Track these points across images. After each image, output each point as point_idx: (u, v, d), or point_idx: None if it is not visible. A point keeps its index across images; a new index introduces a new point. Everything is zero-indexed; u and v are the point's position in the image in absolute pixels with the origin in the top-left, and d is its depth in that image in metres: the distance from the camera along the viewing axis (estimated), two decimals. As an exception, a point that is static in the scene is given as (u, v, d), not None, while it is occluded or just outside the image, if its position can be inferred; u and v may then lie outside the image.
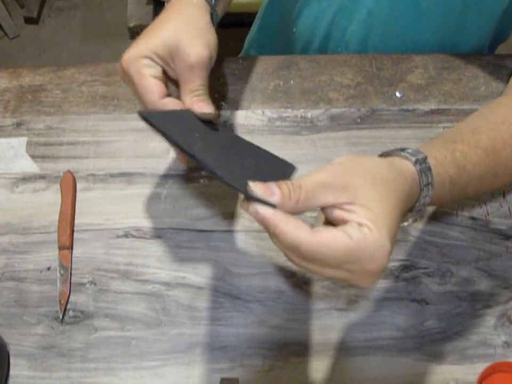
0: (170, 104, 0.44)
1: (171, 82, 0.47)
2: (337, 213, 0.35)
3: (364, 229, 0.34)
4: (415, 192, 0.40)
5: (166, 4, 0.51)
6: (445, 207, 0.56)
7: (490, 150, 0.45)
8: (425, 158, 0.40)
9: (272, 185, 0.35)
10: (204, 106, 0.44)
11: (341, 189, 0.35)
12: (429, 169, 0.40)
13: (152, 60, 0.44)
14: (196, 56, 0.44)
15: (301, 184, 0.35)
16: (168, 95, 0.45)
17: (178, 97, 0.46)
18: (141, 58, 0.44)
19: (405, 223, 0.42)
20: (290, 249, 0.35)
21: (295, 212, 0.35)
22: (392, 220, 0.35)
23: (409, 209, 0.41)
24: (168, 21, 0.47)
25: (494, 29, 0.65)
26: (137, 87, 0.44)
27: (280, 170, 0.41)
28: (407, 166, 0.40)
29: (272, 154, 0.44)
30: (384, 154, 0.43)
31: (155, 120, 0.39)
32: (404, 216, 0.40)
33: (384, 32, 0.67)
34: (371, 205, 0.35)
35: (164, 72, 0.46)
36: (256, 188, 0.35)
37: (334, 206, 0.35)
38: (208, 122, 0.46)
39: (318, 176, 0.36)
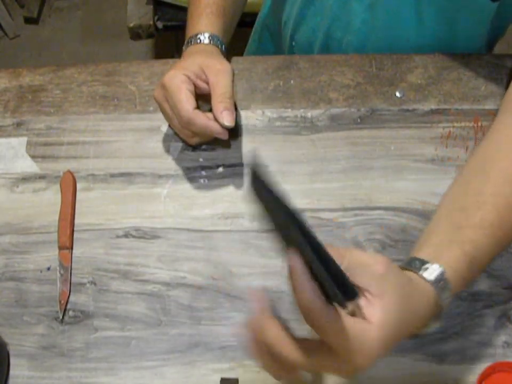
0: (200, 115, 0.52)
1: (201, 98, 0.56)
2: (362, 301, 0.36)
3: (367, 325, 0.35)
4: (431, 312, 0.40)
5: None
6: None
7: (497, 224, 0.44)
8: (442, 274, 0.40)
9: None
10: (226, 116, 0.52)
11: (377, 277, 0.36)
12: (447, 287, 0.40)
13: (189, 77, 0.54)
14: (221, 65, 0.55)
15: (346, 254, 0.36)
16: (198, 107, 0.53)
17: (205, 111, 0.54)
18: (180, 75, 0.53)
19: (426, 331, 0.42)
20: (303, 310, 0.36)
21: None
22: (396, 332, 0.36)
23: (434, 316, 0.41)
24: (194, 56, 0.57)
25: (489, 26, 0.65)
26: (175, 99, 0.53)
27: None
28: (428, 289, 0.40)
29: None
30: (409, 267, 0.42)
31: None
32: (424, 325, 0.41)
33: (379, 40, 0.68)
34: (389, 308, 0.35)
35: (195, 89, 0.55)
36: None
37: (361, 289, 0.36)
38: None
39: (364, 256, 0.37)
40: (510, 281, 0.53)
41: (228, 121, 0.52)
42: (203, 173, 0.59)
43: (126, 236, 0.55)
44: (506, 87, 0.53)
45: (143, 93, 0.64)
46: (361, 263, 0.36)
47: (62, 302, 0.52)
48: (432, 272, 0.40)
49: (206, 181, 0.58)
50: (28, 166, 0.59)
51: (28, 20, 1.90)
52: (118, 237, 0.55)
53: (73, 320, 0.52)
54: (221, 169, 0.59)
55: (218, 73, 0.54)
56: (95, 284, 0.53)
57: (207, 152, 0.60)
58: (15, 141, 0.61)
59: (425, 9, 0.63)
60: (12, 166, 0.59)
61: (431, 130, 0.60)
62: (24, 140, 0.61)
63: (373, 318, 0.35)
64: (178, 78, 0.53)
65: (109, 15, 1.91)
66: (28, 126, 0.62)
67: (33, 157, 0.60)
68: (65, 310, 0.52)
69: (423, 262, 0.41)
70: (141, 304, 0.52)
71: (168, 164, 0.59)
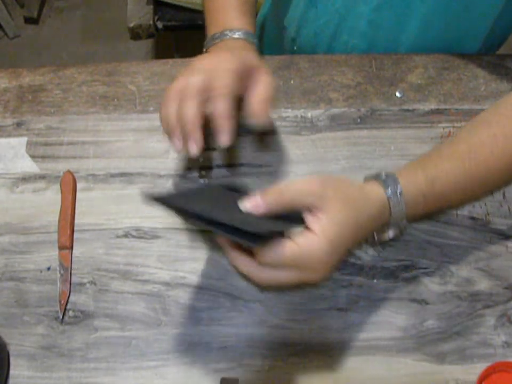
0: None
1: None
2: (308, 218, 0.41)
3: (313, 236, 0.40)
4: (385, 214, 0.45)
5: (206, 48, 0.56)
6: (435, 218, 0.56)
7: (466, 156, 0.48)
8: (395, 180, 0.46)
9: (257, 198, 0.42)
10: (261, 117, 0.48)
11: (315, 195, 0.41)
12: (400, 193, 0.45)
13: (239, 70, 0.47)
14: (259, 61, 0.51)
15: (284, 190, 0.42)
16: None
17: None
18: (235, 62, 0.47)
19: (386, 237, 0.49)
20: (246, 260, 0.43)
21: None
22: (347, 234, 0.42)
23: (385, 224, 0.47)
24: (233, 50, 0.51)
25: (489, 33, 0.66)
26: (220, 83, 0.46)
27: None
28: (378, 191, 0.45)
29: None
30: (365, 179, 0.49)
31: (166, 199, 0.42)
32: (382, 231, 0.49)
33: (385, 42, 0.67)
34: (334, 216, 0.41)
35: None
36: (245, 203, 0.42)
37: (308, 209, 0.42)
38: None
39: (299, 183, 0.42)
40: (510, 281, 0.53)
41: (264, 121, 0.48)
42: (203, 173, 0.59)
43: (126, 235, 0.55)
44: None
45: (143, 93, 0.64)
46: (299, 190, 0.42)
47: (62, 302, 0.52)
48: (387, 180, 0.46)
49: (206, 181, 0.58)
50: (28, 166, 0.59)
51: (28, 20, 1.90)
52: (118, 237, 0.55)
53: (73, 320, 0.52)
54: (221, 169, 0.59)
55: (264, 74, 0.50)
56: (95, 284, 0.53)
57: (207, 152, 0.60)
58: (15, 141, 0.61)
59: (432, 10, 0.62)
60: (12, 166, 0.59)
61: (431, 130, 0.60)
62: (24, 139, 0.61)
63: (317, 229, 0.41)
64: (231, 63, 0.47)
65: (109, 15, 1.91)
66: (28, 126, 0.62)
67: (33, 157, 0.60)
68: (65, 310, 0.52)
69: (381, 175, 0.47)
70: (141, 304, 0.52)
71: (168, 164, 0.59)
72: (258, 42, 0.56)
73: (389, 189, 0.45)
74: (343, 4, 0.66)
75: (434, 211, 0.52)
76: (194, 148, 0.45)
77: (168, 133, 0.47)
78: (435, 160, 0.48)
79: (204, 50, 0.56)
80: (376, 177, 0.47)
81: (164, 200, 0.41)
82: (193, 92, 0.45)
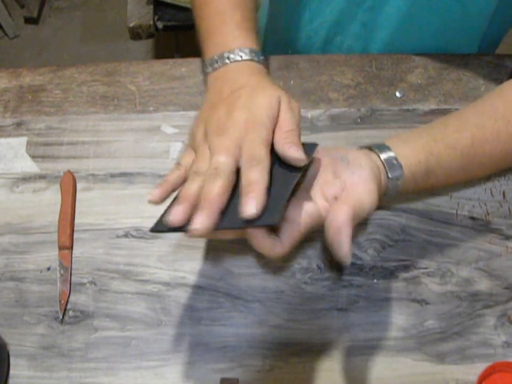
0: None
1: None
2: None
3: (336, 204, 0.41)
4: (384, 181, 0.45)
5: (208, 74, 0.50)
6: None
7: (466, 151, 0.47)
8: (394, 155, 0.45)
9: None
10: (295, 151, 0.40)
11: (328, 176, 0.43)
12: (399, 170, 0.45)
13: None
14: (283, 92, 0.45)
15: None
16: None
17: None
18: (276, 101, 0.43)
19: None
20: None
21: None
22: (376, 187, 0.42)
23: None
24: (256, 77, 0.47)
25: (486, 31, 0.66)
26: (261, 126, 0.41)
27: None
28: (378, 162, 0.45)
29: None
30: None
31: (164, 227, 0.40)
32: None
33: (380, 43, 0.67)
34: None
35: None
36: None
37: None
38: None
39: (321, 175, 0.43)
40: (510, 281, 0.53)
41: (297, 155, 0.40)
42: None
43: (126, 235, 0.55)
44: None
45: (143, 93, 0.64)
46: (318, 178, 0.43)
47: (62, 302, 0.52)
48: (385, 151, 0.45)
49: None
50: (28, 166, 0.59)
51: (28, 20, 1.90)
52: (118, 237, 0.55)
53: (73, 320, 0.52)
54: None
55: (289, 104, 0.44)
56: (95, 284, 0.53)
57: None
58: (15, 141, 0.61)
59: (427, 11, 0.62)
60: (12, 166, 0.59)
61: (431, 130, 0.60)
62: (24, 139, 0.61)
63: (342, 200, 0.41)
64: (275, 102, 0.43)
65: (109, 15, 1.92)
66: (28, 126, 0.62)
67: (33, 157, 0.60)
68: (65, 310, 0.52)
69: (381, 145, 0.46)
70: (141, 304, 0.52)
71: (168, 164, 0.59)
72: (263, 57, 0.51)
73: (386, 161, 0.45)
74: (337, 5, 0.66)
75: (414, 189, 0.50)
76: (201, 222, 0.37)
77: (179, 200, 0.40)
78: (438, 151, 0.47)
79: (205, 72, 0.51)
80: (378, 150, 0.46)
81: (165, 227, 0.39)
82: (226, 172, 0.39)
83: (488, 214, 0.56)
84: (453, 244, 0.54)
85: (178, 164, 0.44)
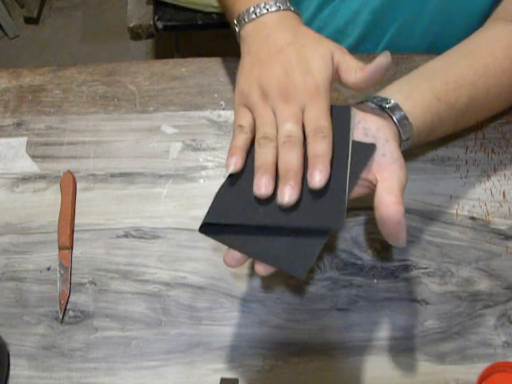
0: None
1: None
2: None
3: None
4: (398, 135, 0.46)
5: (240, 30, 0.48)
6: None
7: (464, 109, 0.50)
8: (404, 114, 0.46)
9: None
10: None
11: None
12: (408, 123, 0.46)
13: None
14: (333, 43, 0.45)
15: None
16: None
17: None
18: (329, 54, 0.43)
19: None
20: None
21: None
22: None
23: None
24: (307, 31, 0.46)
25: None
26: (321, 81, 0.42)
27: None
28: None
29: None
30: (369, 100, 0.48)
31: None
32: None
33: (387, 46, 0.68)
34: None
35: None
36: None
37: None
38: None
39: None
40: (510, 281, 0.53)
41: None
42: (203, 173, 0.59)
43: (126, 235, 0.55)
44: None
45: (143, 93, 0.64)
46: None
47: (62, 302, 0.52)
48: (397, 111, 0.46)
49: (206, 180, 0.58)
50: (28, 166, 0.59)
51: (28, 20, 1.90)
52: (118, 237, 0.55)
53: (73, 320, 0.52)
54: (221, 169, 0.59)
55: (342, 52, 0.44)
56: (95, 284, 0.53)
57: (207, 152, 0.60)
58: (15, 141, 0.61)
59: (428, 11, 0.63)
60: (12, 166, 0.59)
61: (431, 130, 0.60)
62: (24, 139, 0.61)
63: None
64: (330, 61, 0.43)
65: (109, 15, 1.92)
66: (28, 126, 0.62)
67: (33, 157, 0.60)
68: (65, 310, 0.52)
69: (392, 104, 0.46)
70: (141, 304, 0.52)
71: (168, 164, 0.59)
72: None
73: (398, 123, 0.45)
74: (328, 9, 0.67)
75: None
76: (291, 194, 0.37)
77: (260, 170, 0.39)
78: (441, 111, 0.48)
79: (237, 30, 0.48)
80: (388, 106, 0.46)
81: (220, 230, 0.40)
82: (300, 141, 0.40)
83: (488, 214, 0.56)
84: (453, 244, 0.54)
85: (240, 126, 0.42)
